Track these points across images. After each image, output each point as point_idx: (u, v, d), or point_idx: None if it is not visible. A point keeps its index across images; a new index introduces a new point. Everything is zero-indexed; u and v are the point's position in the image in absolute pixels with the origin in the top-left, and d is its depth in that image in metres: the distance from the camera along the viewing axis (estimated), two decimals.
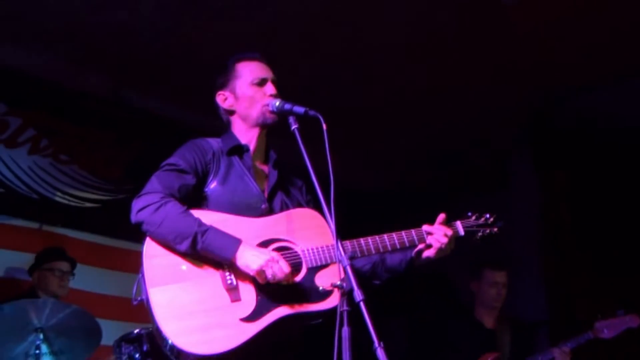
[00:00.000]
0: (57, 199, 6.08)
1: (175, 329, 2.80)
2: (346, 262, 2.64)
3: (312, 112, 2.97)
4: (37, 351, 4.49)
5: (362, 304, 2.51)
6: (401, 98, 6.54)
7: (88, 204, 6.24)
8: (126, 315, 5.89)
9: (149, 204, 2.95)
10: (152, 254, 2.95)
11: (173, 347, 2.79)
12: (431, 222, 3.25)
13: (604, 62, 6.05)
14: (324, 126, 2.84)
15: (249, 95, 3.28)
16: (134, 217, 2.98)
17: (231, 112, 3.35)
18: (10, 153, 5.89)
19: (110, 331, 4.88)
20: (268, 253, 2.91)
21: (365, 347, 2.47)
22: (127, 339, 4.54)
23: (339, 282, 2.62)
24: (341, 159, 2.84)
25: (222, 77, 3.36)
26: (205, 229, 2.91)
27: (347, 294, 2.58)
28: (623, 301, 5.03)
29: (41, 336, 4.53)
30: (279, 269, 2.87)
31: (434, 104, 6.64)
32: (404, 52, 5.96)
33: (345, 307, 2.56)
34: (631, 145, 6.48)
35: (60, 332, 4.61)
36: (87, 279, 5.92)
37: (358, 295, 2.53)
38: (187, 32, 5.65)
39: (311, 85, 5.56)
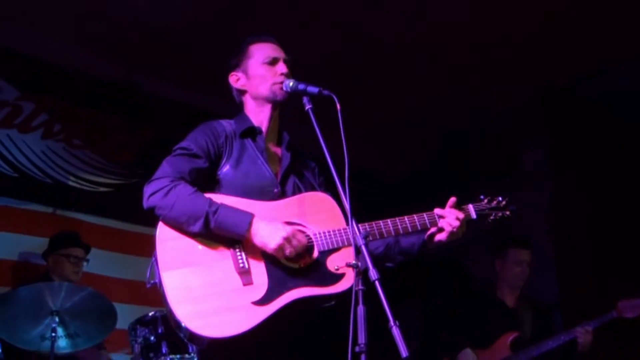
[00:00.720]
0: (71, 183, 6.10)
1: (187, 312, 2.81)
2: (361, 241, 2.64)
3: (326, 92, 2.97)
4: (53, 334, 4.53)
5: (377, 283, 2.52)
6: (414, 80, 6.51)
7: (101, 188, 6.26)
8: (139, 299, 5.94)
9: (159, 189, 2.96)
10: (165, 237, 2.95)
11: (186, 330, 2.81)
12: (443, 207, 3.25)
13: (621, 45, 6.02)
14: (338, 106, 2.84)
15: (260, 74, 3.29)
16: (146, 203, 2.99)
17: (243, 92, 3.36)
18: (23, 138, 5.91)
19: (124, 315, 4.92)
20: (283, 228, 2.91)
21: (381, 327, 2.48)
22: (142, 321, 4.60)
23: (353, 262, 2.62)
24: (352, 142, 2.82)
25: (235, 58, 3.38)
26: (216, 208, 2.91)
27: (362, 273, 2.58)
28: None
29: (57, 319, 4.57)
30: (297, 243, 2.91)
31: (448, 89, 6.62)
32: (418, 33, 5.95)
33: (360, 286, 2.55)
34: None
35: (75, 315, 4.64)
36: (100, 262, 5.94)
37: (373, 274, 2.54)
38: (200, 16, 5.64)
39: (326, 68, 5.56)
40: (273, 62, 3.29)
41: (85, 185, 6.18)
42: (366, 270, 2.56)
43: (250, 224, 2.90)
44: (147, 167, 6.30)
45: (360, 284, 2.56)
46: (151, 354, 4.50)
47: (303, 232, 3.04)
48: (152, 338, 4.53)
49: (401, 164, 7.98)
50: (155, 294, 5.76)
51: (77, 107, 6.18)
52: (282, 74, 3.25)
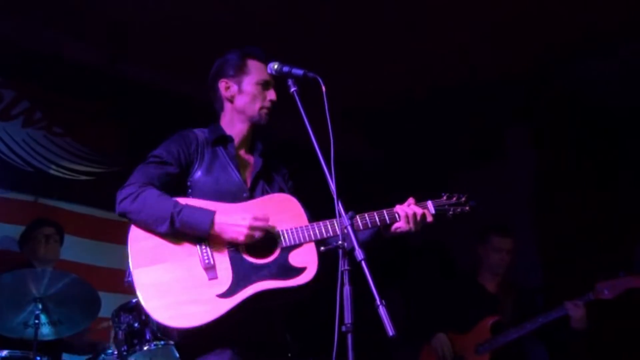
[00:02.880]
0: (52, 171, 6.09)
1: (155, 305, 2.95)
2: (347, 222, 2.71)
3: (311, 74, 3.02)
4: (37, 321, 4.52)
5: (363, 263, 2.57)
6: (391, 63, 6.52)
7: (82, 177, 6.25)
8: (120, 287, 5.88)
9: (128, 195, 3.09)
10: (136, 238, 3.09)
11: (155, 322, 2.95)
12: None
13: (599, 29, 6.06)
14: (324, 88, 2.89)
15: (252, 92, 3.37)
16: (117, 208, 3.13)
17: (230, 101, 3.43)
18: (4, 126, 5.90)
19: (105, 303, 4.88)
20: (242, 219, 3.02)
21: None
22: (126, 308, 4.60)
23: (339, 242, 2.67)
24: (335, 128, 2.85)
25: (231, 67, 3.43)
26: (180, 208, 3.03)
27: (348, 254, 2.63)
28: (618, 266, 5.08)
29: (40, 306, 4.56)
30: (263, 223, 3.02)
31: (428, 74, 6.64)
32: (396, 20, 5.95)
33: (346, 267, 2.61)
34: (625, 110, 6.52)
35: (59, 302, 4.63)
36: (81, 250, 5.94)
37: (359, 254, 2.59)
38: (186, 5, 5.63)
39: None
40: (266, 85, 3.39)
41: (66, 174, 6.17)
42: (352, 250, 2.61)
43: (212, 221, 3.02)
44: (129, 155, 6.32)
45: (346, 265, 2.62)
46: (135, 340, 4.50)
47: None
48: (135, 324, 4.54)
49: (381, 150, 7.99)
50: None
51: (59, 94, 6.17)
52: (271, 100, 3.37)
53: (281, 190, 3.40)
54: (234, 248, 3.07)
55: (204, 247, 3.06)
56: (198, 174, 3.26)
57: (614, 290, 4.92)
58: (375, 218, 3.23)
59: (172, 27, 5.91)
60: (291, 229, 3.12)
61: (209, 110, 3.51)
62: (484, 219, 5.71)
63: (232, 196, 3.22)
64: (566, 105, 6.76)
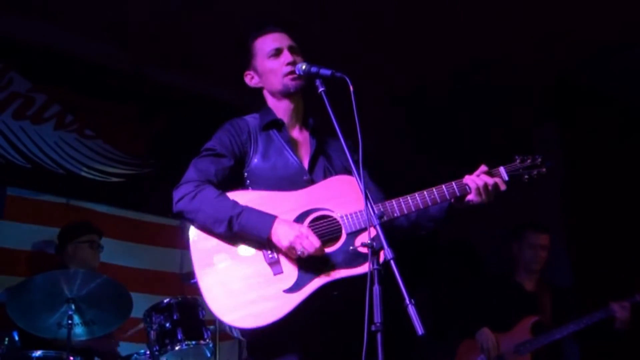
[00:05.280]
0: (83, 173, 6.11)
1: (223, 307, 2.93)
2: (376, 221, 2.68)
3: (339, 74, 2.98)
4: (70, 321, 4.55)
5: (392, 262, 2.55)
6: (416, 60, 6.51)
7: (113, 179, 6.27)
8: (152, 288, 5.98)
9: (186, 194, 3.08)
10: (197, 238, 3.08)
11: (226, 325, 2.94)
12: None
13: (630, 25, 6.00)
14: (351, 88, 2.86)
15: (268, 69, 3.33)
16: (175, 208, 3.11)
17: (260, 88, 3.42)
18: (36, 129, 5.93)
19: (137, 303, 4.92)
20: (298, 229, 2.96)
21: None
22: (158, 308, 4.65)
23: (368, 241, 2.65)
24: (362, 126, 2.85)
25: (245, 57, 3.43)
26: (240, 211, 2.99)
27: (377, 253, 2.62)
28: None
29: (73, 306, 4.58)
30: (309, 244, 2.93)
31: (460, 68, 6.62)
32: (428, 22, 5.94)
33: (375, 266, 2.59)
34: None
35: (91, 303, 4.65)
36: (113, 252, 5.94)
37: (388, 253, 2.57)
38: (209, 4, 5.66)
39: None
40: (277, 53, 3.33)
41: (97, 176, 6.20)
42: (381, 249, 2.60)
43: (271, 229, 2.97)
44: (158, 156, 6.35)
45: (375, 264, 2.60)
46: (167, 341, 4.55)
47: (329, 216, 3.08)
48: (167, 325, 4.58)
49: (409, 147, 7.98)
50: (168, 283, 5.85)
51: (89, 98, 6.21)
52: (287, 63, 3.29)
53: (343, 168, 3.33)
54: None
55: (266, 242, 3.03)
56: (254, 161, 3.23)
57: None
58: (444, 192, 3.15)
59: (198, 30, 5.94)
60: (355, 213, 3.07)
61: (236, 111, 3.50)
62: (512, 218, 5.71)
63: (291, 181, 3.19)
64: (595, 102, 6.69)
